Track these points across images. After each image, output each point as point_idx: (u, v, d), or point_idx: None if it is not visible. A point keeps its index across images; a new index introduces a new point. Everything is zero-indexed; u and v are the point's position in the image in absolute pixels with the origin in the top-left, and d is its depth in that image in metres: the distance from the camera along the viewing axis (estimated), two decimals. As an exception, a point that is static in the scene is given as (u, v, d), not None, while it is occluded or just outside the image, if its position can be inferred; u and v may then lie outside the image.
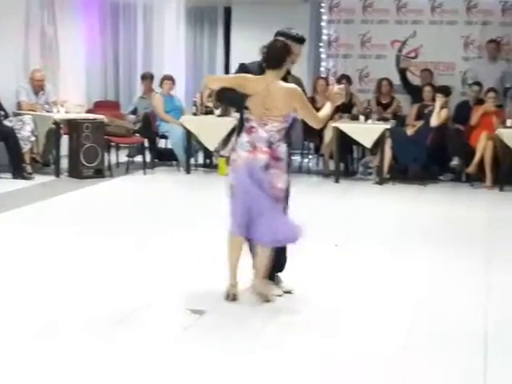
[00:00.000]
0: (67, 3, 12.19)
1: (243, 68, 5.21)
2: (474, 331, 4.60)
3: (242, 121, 5.13)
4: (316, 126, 5.20)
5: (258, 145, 4.96)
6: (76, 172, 10.11)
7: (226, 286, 5.14)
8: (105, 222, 7.46)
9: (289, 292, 5.31)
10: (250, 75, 5.06)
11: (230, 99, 5.29)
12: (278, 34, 5.25)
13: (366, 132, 10.33)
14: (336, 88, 5.28)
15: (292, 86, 5.03)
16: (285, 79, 5.09)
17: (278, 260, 5.28)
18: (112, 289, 5.31)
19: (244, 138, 5.03)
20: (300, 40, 5.25)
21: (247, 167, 4.97)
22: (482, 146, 10.16)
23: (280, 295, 5.26)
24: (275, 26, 13.26)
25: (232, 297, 5.10)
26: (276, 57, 5.00)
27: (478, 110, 10.40)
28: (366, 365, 4.05)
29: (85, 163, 10.08)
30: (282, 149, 5.02)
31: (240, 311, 4.92)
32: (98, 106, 12.66)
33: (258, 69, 5.11)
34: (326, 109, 5.19)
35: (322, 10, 12.24)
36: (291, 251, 5.35)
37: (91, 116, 10.65)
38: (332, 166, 10.72)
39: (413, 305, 5.12)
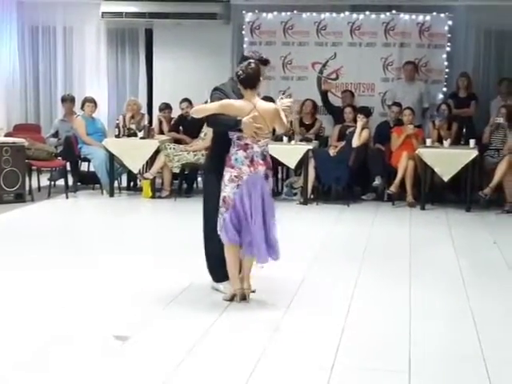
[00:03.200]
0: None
1: (221, 92, 5.68)
2: (398, 347, 4.66)
3: (224, 140, 5.58)
4: (284, 130, 6.10)
5: (255, 159, 5.53)
6: (-4, 197, 9.90)
7: (230, 292, 5.62)
8: (24, 250, 7.28)
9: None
10: (233, 100, 5.58)
11: (223, 123, 5.58)
12: (245, 57, 5.89)
13: (289, 153, 10.41)
14: (286, 101, 5.80)
15: (272, 104, 5.79)
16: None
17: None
18: (30, 319, 5.20)
19: (240, 154, 5.52)
20: (265, 62, 5.86)
21: (250, 181, 5.51)
22: (403, 165, 10.35)
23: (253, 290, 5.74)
24: (198, 47, 13.52)
25: (242, 297, 5.60)
26: (254, 77, 5.54)
27: (400, 136, 10.59)
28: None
29: (5, 188, 9.88)
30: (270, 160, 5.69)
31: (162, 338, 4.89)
32: (18, 130, 12.45)
33: (231, 89, 5.70)
34: (283, 118, 5.67)
35: (243, 32, 12.31)
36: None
37: (11, 139, 10.43)
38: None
39: (337, 322, 5.15)
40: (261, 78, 5.59)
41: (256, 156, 5.54)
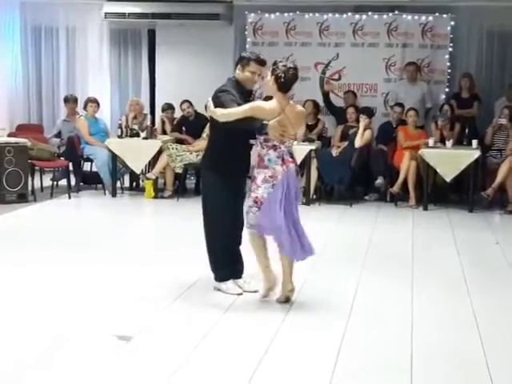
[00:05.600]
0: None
1: (230, 93, 5.63)
2: (401, 347, 4.67)
3: (220, 140, 5.70)
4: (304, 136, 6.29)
5: (285, 157, 5.56)
6: (-2, 197, 9.91)
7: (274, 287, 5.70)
8: (27, 249, 7.29)
9: (255, 291, 5.84)
10: (263, 103, 5.63)
11: (249, 127, 5.54)
12: (243, 57, 5.85)
13: (291, 153, 10.38)
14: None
15: (301, 108, 5.90)
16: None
17: (241, 261, 5.94)
18: (33, 319, 5.21)
19: (272, 154, 5.55)
20: (262, 62, 5.84)
21: (286, 179, 5.52)
22: (406, 166, 10.35)
23: (241, 294, 5.81)
24: (200, 47, 13.52)
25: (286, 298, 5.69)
26: (292, 82, 5.62)
27: (406, 136, 10.62)
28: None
29: (7, 188, 9.89)
30: None
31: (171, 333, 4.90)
32: (21, 130, 12.48)
33: (235, 87, 5.70)
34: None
35: (246, 33, 12.32)
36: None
37: (13, 140, 10.44)
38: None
39: (339, 322, 5.15)
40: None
41: (285, 155, 5.57)
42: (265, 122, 5.42)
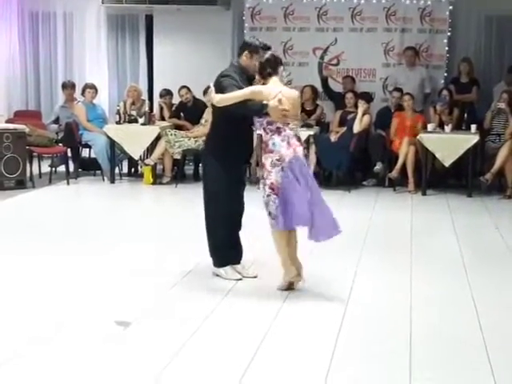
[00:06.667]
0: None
1: (232, 78, 5.63)
2: (400, 333, 4.67)
3: (222, 125, 5.71)
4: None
5: (291, 141, 5.46)
6: (-4, 183, 9.90)
7: (286, 280, 5.58)
8: (25, 236, 7.30)
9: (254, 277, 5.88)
10: (262, 87, 5.54)
11: (250, 109, 5.50)
12: (246, 43, 5.96)
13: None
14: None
15: (295, 91, 5.82)
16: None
17: (240, 247, 5.95)
18: (32, 305, 5.21)
19: (276, 138, 5.46)
20: (267, 48, 5.81)
21: (294, 162, 5.40)
22: (404, 151, 10.34)
23: (240, 279, 5.82)
24: (198, 32, 13.45)
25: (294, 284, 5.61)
26: (276, 64, 5.62)
27: (402, 121, 10.62)
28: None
29: (6, 174, 9.88)
30: None
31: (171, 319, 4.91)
32: (19, 116, 12.46)
33: (238, 73, 5.71)
34: None
35: (243, 18, 12.27)
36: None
37: (11, 126, 10.42)
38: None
39: (338, 308, 5.16)
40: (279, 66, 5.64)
41: (291, 138, 5.47)
42: (265, 102, 5.39)
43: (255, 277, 5.85)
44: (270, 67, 5.58)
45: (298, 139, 5.55)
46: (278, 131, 5.47)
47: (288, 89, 5.70)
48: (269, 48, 5.82)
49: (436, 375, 4.09)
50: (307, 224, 5.41)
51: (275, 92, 5.43)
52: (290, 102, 5.51)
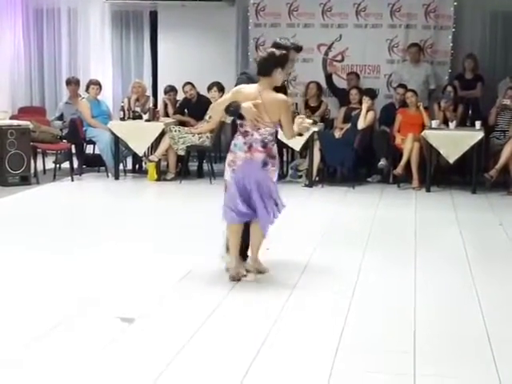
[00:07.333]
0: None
1: (246, 75, 5.81)
2: (404, 328, 4.67)
3: (234, 125, 5.71)
4: (288, 138, 5.84)
5: (254, 146, 5.54)
6: (1, 179, 9.89)
7: (231, 270, 5.71)
8: (30, 232, 7.30)
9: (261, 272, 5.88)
10: (243, 86, 5.60)
11: (228, 109, 5.61)
12: (277, 44, 5.80)
13: (294, 135, 10.36)
14: (307, 122, 5.82)
15: (282, 96, 5.59)
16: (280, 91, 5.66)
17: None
18: (35, 301, 5.22)
19: (240, 140, 5.58)
20: (298, 49, 5.87)
21: (245, 166, 5.54)
22: (409, 147, 10.33)
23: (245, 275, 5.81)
24: (202, 28, 13.43)
25: (238, 277, 5.68)
26: (264, 64, 5.54)
27: (405, 118, 10.60)
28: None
29: (10, 170, 9.89)
30: (275, 148, 5.66)
31: (171, 317, 4.91)
32: (23, 112, 12.48)
33: (255, 72, 5.68)
34: (295, 130, 5.71)
35: (248, 14, 12.26)
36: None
37: (16, 122, 10.44)
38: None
39: (342, 304, 5.16)
40: (276, 67, 5.51)
41: (255, 143, 5.55)
42: (243, 104, 5.47)
43: (262, 272, 5.88)
44: (260, 67, 5.60)
45: (265, 145, 5.54)
46: (245, 134, 5.57)
47: (272, 93, 5.55)
48: (297, 48, 5.87)
49: (440, 370, 4.08)
50: (241, 221, 5.71)
51: (254, 95, 5.50)
52: (268, 106, 5.48)
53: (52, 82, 13.56)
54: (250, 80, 5.72)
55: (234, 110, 5.55)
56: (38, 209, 8.71)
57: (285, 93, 5.87)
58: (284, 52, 5.62)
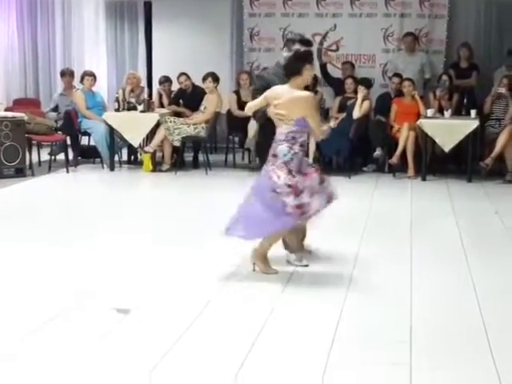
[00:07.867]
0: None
1: (263, 79, 5.95)
2: (400, 319, 4.68)
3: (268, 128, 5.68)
4: (316, 137, 6.05)
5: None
6: (-4, 171, 9.90)
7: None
8: (25, 224, 7.29)
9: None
10: (275, 87, 5.55)
11: (255, 116, 5.86)
12: (289, 39, 5.82)
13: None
14: (326, 127, 5.90)
15: (305, 93, 5.47)
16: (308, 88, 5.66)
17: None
18: (30, 293, 5.21)
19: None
20: (307, 43, 5.73)
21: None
22: (404, 136, 10.32)
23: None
24: (196, 19, 13.36)
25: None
26: (292, 64, 5.47)
27: (400, 107, 10.59)
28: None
29: (5, 162, 9.86)
30: (282, 148, 5.44)
31: (167, 307, 4.91)
32: (18, 104, 12.45)
33: (273, 74, 5.86)
34: (319, 130, 5.63)
35: (242, 4, 12.23)
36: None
37: (10, 114, 10.40)
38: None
39: (338, 295, 5.16)
40: (299, 67, 5.42)
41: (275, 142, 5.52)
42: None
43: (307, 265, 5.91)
44: (289, 68, 5.52)
45: (273, 154, 5.51)
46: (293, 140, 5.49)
47: (295, 91, 5.44)
48: (306, 42, 5.76)
49: (437, 360, 4.08)
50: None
51: (281, 95, 5.45)
52: (289, 104, 5.40)
53: (46, 73, 13.53)
54: (267, 84, 5.72)
55: (261, 115, 5.61)
56: (33, 201, 8.70)
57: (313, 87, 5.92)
58: (307, 48, 5.59)
